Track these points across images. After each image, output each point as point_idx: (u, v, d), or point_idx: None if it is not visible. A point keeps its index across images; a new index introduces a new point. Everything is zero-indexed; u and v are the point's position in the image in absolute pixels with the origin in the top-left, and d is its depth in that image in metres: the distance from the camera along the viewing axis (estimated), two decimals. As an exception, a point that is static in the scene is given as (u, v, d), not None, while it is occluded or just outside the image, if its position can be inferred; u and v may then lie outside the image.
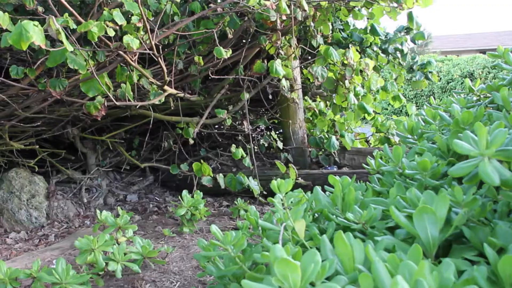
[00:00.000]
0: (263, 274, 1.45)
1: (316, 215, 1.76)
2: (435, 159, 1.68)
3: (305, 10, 4.47)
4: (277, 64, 4.71)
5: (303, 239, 1.43)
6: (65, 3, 3.00)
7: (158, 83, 4.16)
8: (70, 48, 2.71)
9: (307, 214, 1.63)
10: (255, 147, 5.63)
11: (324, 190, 1.87)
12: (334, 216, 1.60)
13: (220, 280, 1.73)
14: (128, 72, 3.90)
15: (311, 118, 6.72)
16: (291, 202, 1.59)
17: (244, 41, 5.11)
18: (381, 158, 2.42)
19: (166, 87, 4.20)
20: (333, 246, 1.21)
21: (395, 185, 1.66)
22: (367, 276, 0.99)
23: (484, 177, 1.19)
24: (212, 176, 4.93)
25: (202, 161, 5.01)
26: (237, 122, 6.33)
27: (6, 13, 2.60)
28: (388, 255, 1.08)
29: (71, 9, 2.99)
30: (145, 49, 3.56)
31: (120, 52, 3.43)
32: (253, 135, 6.08)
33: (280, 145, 5.88)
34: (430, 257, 1.21)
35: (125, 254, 2.99)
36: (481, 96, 2.65)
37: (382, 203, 1.61)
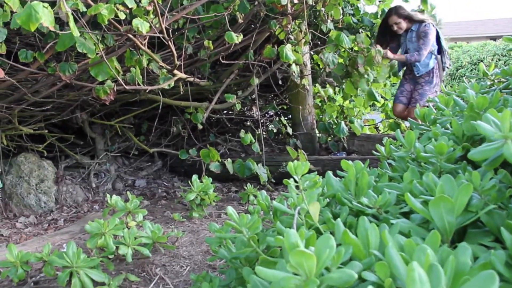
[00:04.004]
0: (277, 258, 1.43)
1: (328, 200, 1.75)
2: (451, 143, 1.66)
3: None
4: (287, 49, 4.68)
5: (317, 223, 1.42)
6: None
7: (168, 67, 4.14)
8: (77, 33, 2.69)
9: (320, 198, 1.61)
10: (264, 133, 5.61)
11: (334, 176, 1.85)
12: (348, 200, 1.58)
13: (232, 264, 1.72)
14: (138, 57, 3.88)
15: (320, 104, 6.69)
16: (306, 184, 1.57)
17: (253, 26, 5.08)
18: (390, 144, 2.40)
19: (176, 72, 4.18)
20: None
21: (409, 170, 1.64)
22: (383, 265, 0.98)
23: (511, 158, 1.18)
24: (221, 161, 4.92)
25: (210, 146, 5.01)
26: (246, 108, 6.32)
27: (16, -4, 2.59)
28: (405, 240, 1.06)
29: (80, -8, 2.97)
30: (155, 33, 3.53)
31: (130, 36, 3.41)
32: (262, 121, 6.06)
33: (290, 130, 5.87)
34: (446, 242, 1.19)
35: (135, 238, 2.99)
36: (495, 81, 2.61)
37: (396, 188, 1.60)
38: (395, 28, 5.40)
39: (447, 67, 5.65)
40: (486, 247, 1.19)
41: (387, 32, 5.57)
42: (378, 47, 5.33)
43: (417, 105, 5.34)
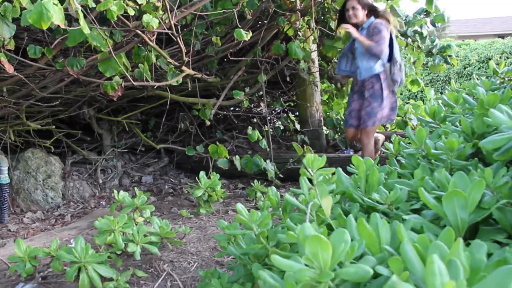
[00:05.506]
0: (287, 253, 1.43)
1: (338, 196, 1.74)
2: (461, 140, 1.65)
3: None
4: (296, 45, 4.67)
5: (328, 218, 1.41)
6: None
7: (176, 63, 4.14)
8: (87, 30, 2.69)
9: (331, 195, 1.61)
10: (271, 130, 5.61)
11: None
12: (358, 197, 1.57)
13: (241, 260, 1.72)
14: (146, 53, 3.88)
15: (327, 101, 6.68)
16: (320, 179, 1.57)
17: (261, 22, 5.07)
18: (399, 141, 2.40)
19: (184, 68, 4.18)
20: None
21: (419, 167, 1.64)
22: (397, 260, 0.97)
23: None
24: (228, 158, 4.93)
25: (218, 143, 5.01)
26: (253, 105, 6.31)
27: (25, -9, 2.58)
28: (418, 235, 1.06)
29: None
30: (164, 29, 3.53)
31: (138, 32, 3.41)
32: (269, 118, 6.06)
33: (298, 126, 5.86)
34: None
35: (144, 235, 3.00)
36: (506, 79, 2.60)
37: (406, 184, 1.59)
38: (350, 12, 4.65)
39: (397, 81, 4.68)
40: (499, 244, 1.18)
41: (343, 20, 4.81)
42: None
43: (367, 128, 4.65)
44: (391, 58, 4.63)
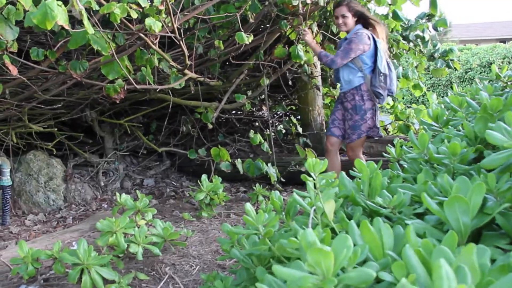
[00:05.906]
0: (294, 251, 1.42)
1: (341, 200, 1.74)
2: (464, 144, 1.65)
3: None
4: (299, 49, 4.66)
5: (331, 222, 1.41)
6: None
7: (179, 67, 4.14)
8: (91, 31, 2.70)
9: (337, 198, 1.61)
10: (273, 133, 5.61)
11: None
12: (361, 201, 1.57)
13: (244, 263, 1.71)
14: (148, 56, 3.89)
15: (329, 105, 6.68)
16: (322, 183, 1.57)
17: (263, 26, 5.08)
18: (401, 146, 2.39)
19: (186, 71, 4.18)
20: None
21: (422, 171, 1.63)
22: (400, 265, 0.97)
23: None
24: (230, 161, 4.93)
25: (220, 146, 5.01)
26: (255, 108, 6.31)
27: (29, -6, 2.59)
28: (421, 240, 1.06)
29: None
30: (167, 32, 3.54)
31: (141, 35, 3.41)
32: (271, 121, 6.05)
33: (300, 130, 5.86)
34: (461, 244, 1.18)
35: (146, 236, 3.00)
36: (508, 83, 2.60)
37: (409, 189, 1.59)
38: (340, 21, 4.44)
39: (380, 93, 4.43)
40: (502, 250, 1.18)
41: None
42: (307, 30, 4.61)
43: (352, 142, 4.49)
44: (375, 69, 4.42)
